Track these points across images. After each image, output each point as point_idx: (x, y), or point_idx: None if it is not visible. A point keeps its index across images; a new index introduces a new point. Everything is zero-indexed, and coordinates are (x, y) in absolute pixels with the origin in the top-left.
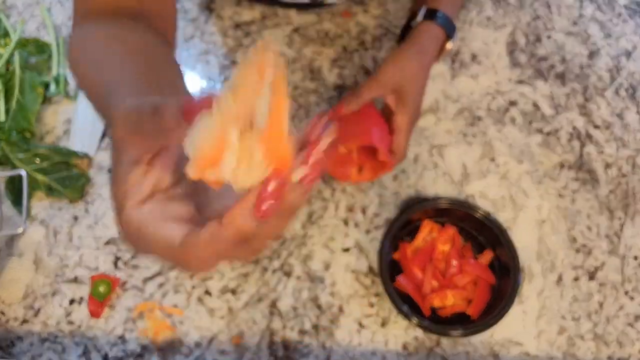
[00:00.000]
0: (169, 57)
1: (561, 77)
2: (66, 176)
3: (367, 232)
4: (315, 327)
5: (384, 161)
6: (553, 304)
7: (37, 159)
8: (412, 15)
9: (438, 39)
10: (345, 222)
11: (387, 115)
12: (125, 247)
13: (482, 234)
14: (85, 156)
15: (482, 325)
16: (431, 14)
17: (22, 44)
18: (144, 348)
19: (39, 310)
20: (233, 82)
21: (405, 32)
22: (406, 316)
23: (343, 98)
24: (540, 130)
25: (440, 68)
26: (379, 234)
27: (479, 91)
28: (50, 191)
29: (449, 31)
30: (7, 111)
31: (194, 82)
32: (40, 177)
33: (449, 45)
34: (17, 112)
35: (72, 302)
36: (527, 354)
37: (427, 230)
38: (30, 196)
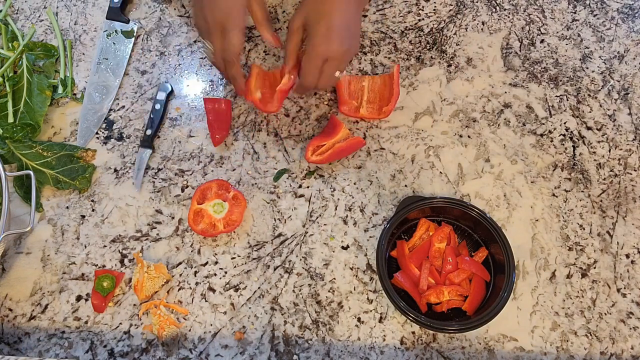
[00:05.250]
0: None
1: (554, 80)
2: (72, 168)
3: (366, 230)
4: (315, 322)
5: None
6: (547, 300)
7: (43, 153)
8: None
9: None
10: (345, 221)
11: None
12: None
13: (477, 232)
14: (89, 148)
15: (477, 321)
16: None
17: (30, 47)
18: (149, 343)
19: (46, 306)
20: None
21: None
22: (403, 312)
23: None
24: (533, 132)
25: (436, 72)
26: (377, 232)
27: (474, 94)
28: (58, 184)
29: None
30: (15, 113)
31: (198, 85)
32: (47, 171)
33: None
34: (25, 114)
35: (78, 298)
36: (521, 349)
37: (424, 229)
38: (39, 191)
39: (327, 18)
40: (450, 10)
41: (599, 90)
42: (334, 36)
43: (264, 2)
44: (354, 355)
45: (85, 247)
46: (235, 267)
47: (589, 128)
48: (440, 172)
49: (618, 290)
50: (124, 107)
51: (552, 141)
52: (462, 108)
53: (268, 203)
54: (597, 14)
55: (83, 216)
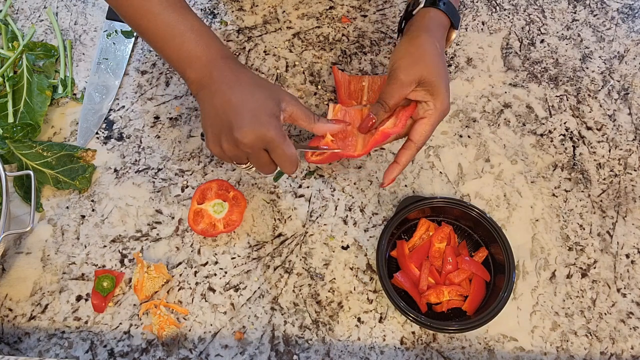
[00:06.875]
0: None
1: (554, 80)
2: (72, 168)
3: (366, 230)
4: (315, 322)
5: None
6: (547, 300)
7: (43, 153)
8: (413, 1)
9: (443, 26)
10: (345, 221)
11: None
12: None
13: (477, 232)
14: (89, 148)
15: (478, 321)
16: (433, 1)
17: (30, 47)
18: (149, 343)
19: (46, 306)
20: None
21: (406, 21)
22: (403, 312)
23: (370, 110)
24: (533, 132)
25: None
26: (377, 232)
27: (474, 94)
28: (58, 184)
29: (454, 19)
30: (15, 113)
31: None
32: (47, 171)
33: (454, 35)
34: (25, 114)
35: (78, 298)
36: (521, 349)
37: (424, 229)
38: (38, 191)
39: (445, 77)
40: None
41: (599, 90)
42: (449, 96)
43: (297, 100)
44: (354, 355)
45: (85, 247)
46: (235, 267)
47: (589, 128)
48: (440, 172)
49: (618, 290)
50: (124, 107)
51: (552, 141)
52: (462, 108)
53: (268, 203)
54: (597, 14)
55: (83, 216)
